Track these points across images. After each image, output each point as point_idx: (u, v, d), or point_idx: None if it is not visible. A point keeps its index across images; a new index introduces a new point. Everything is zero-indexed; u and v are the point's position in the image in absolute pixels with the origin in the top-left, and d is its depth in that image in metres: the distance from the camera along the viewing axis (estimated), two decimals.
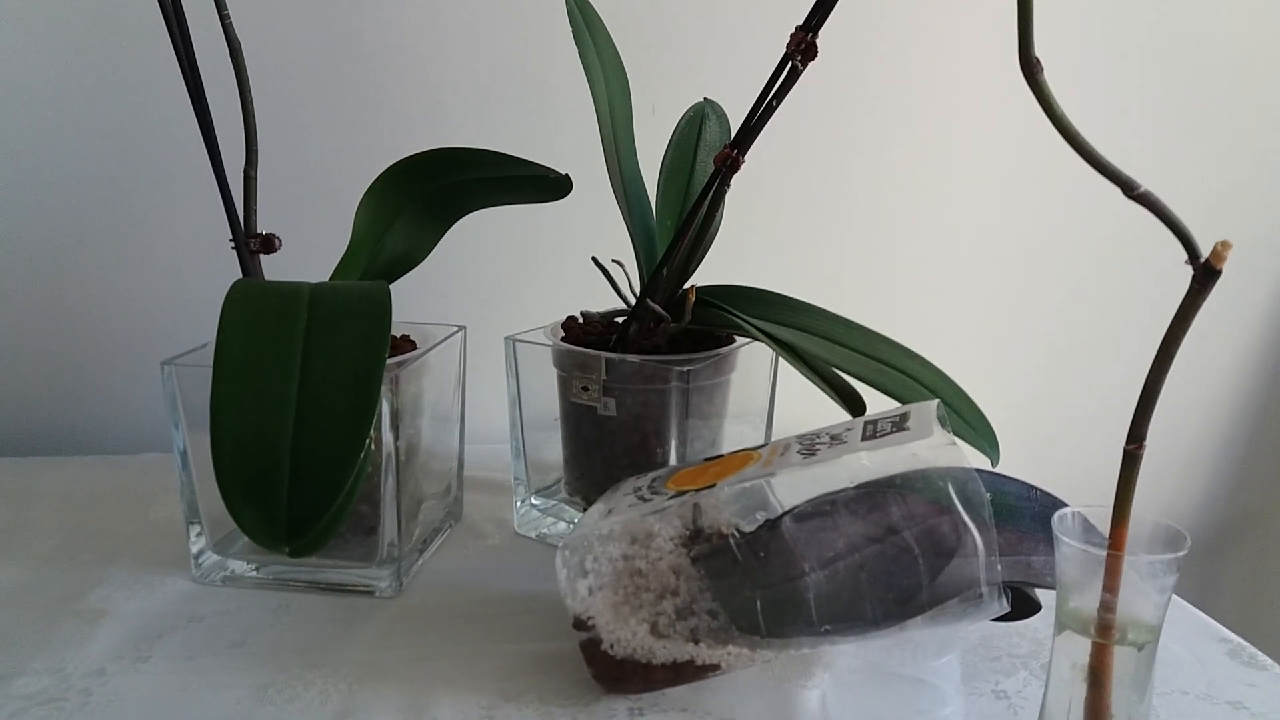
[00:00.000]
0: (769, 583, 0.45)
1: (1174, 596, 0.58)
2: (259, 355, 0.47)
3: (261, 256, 0.57)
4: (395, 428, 0.55)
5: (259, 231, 0.56)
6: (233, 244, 0.56)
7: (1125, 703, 0.36)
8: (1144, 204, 0.28)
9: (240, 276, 0.57)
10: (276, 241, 0.56)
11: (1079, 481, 0.66)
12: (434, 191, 0.62)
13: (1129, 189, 0.27)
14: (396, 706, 0.46)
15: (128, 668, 0.48)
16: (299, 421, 0.45)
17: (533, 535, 0.66)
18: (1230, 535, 1.07)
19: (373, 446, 0.55)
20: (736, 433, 0.66)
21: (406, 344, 0.62)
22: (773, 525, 0.45)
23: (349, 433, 0.45)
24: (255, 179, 0.56)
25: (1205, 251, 0.28)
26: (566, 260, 0.83)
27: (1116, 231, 0.92)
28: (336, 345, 0.47)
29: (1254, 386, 1.02)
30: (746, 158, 0.55)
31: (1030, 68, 0.28)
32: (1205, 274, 0.28)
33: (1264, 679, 0.50)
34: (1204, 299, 0.28)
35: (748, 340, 0.62)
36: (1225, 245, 0.27)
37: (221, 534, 0.59)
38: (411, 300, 0.73)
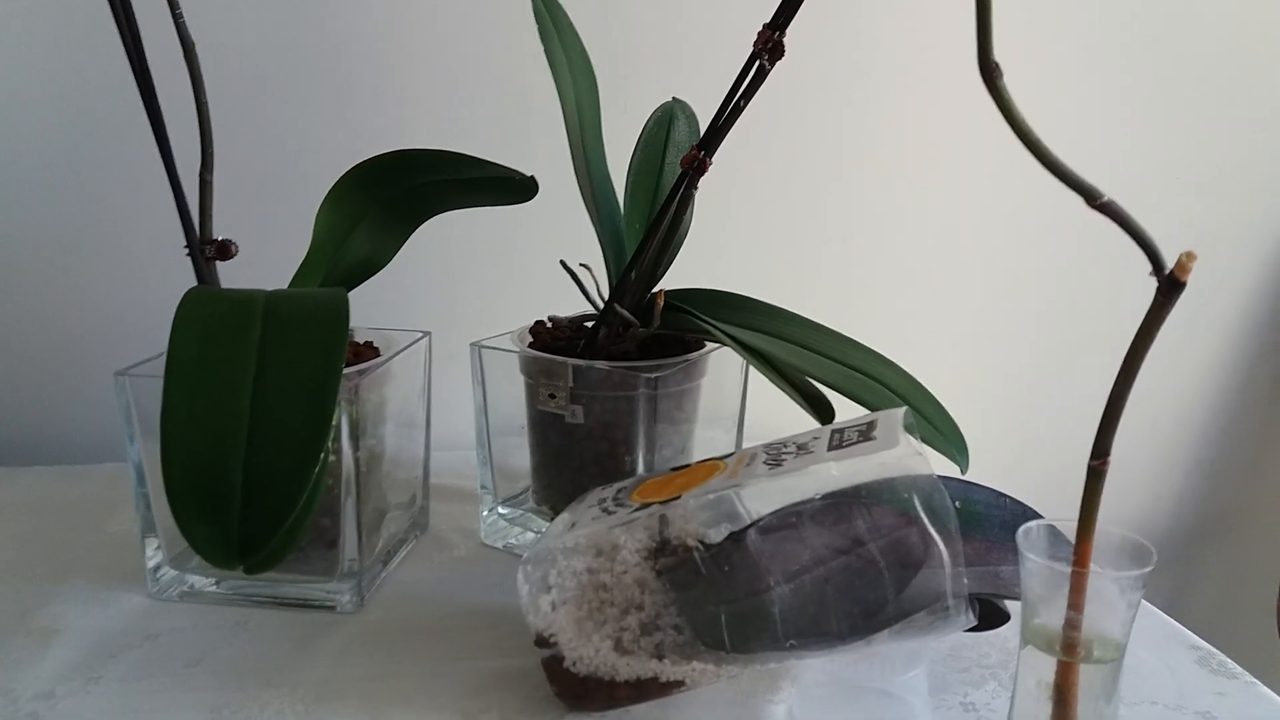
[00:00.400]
0: (733, 597, 0.44)
1: (1144, 603, 0.57)
2: (211, 366, 0.45)
3: (218, 263, 0.56)
4: (355, 438, 0.54)
5: (215, 238, 0.55)
6: (187, 251, 0.54)
7: (1092, 718, 0.36)
8: (1107, 214, 0.27)
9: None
10: (233, 248, 0.55)
11: (1053, 491, 0.66)
12: (397, 195, 0.60)
13: (1091, 199, 0.27)
14: None
15: (78, 689, 0.47)
16: (252, 435, 0.44)
17: (500, 546, 0.65)
18: (1205, 537, 1.07)
19: (331, 458, 0.54)
20: (708, 438, 0.65)
21: (369, 351, 0.61)
22: (737, 538, 0.44)
23: (304, 446, 0.44)
24: (211, 183, 0.55)
25: (1170, 263, 0.27)
26: (536, 263, 0.82)
27: (1094, 239, 0.92)
28: (292, 355, 0.46)
29: (1227, 388, 1.02)
30: (716, 159, 0.54)
31: (989, 73, 0.27)
32: (1169, 286, 0.27)
33: (1233, 687, 0.49)
34: (1168, 311, 0.27)
35: (718, 345, 0.62)
36: (1190, 257, 0.26)
37: (179, 548, 0.57)
38: (376, 306, 0.71)
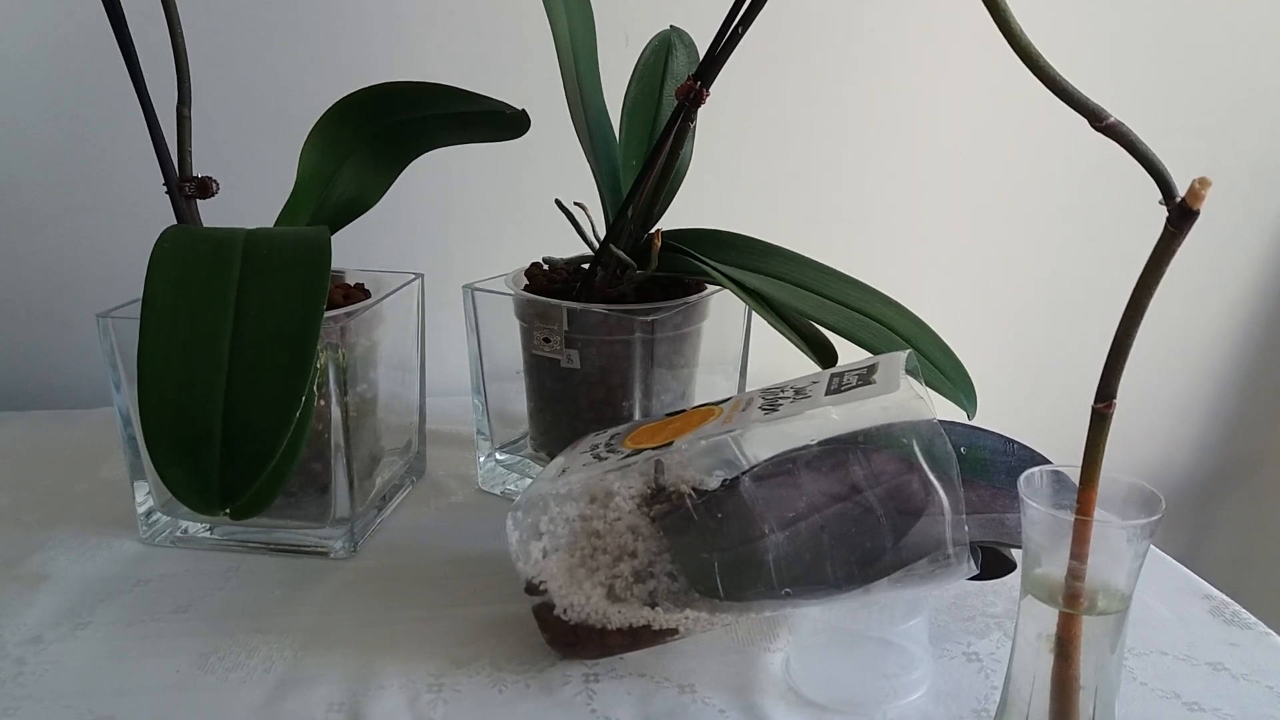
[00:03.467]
0: (727, 544, 0.42)
1: (1157, 552, 0.56)
2: (189, 308, 0.44)
3: (199, 202, 0.54)
4: (344, 382, 0.53)
5: (195, 175, 0.53)
6: (166, 188, 0.53)
7: (1094, 671, 0.34)
8: (1112, 136, 0.25)
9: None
10: (213, 185, 0.53)
11: (1065, 437, 0.64)
12: (384, 129, 0.58)
13: (1096, 119, 0.24)
14: (343, 674, 0.44)
15: (66, 635, 0.47)
16: (231, 378, 0.43)
17: (497, 491, 0.64)
18: (1222, 485, 1.05)
19: (320, 402, 0.52)
20: (709, 383, 0.64)
21: (360, 293, 0.60)
22: (731, 485, 0.43)
23: (285, 389, 0.42)
24: (189, 118, 0.53)
25: (1182, 190, 0.25)
26: (532, 204, 0.79)
27: (1109, 173, 0.89)
28: (272, 296, 0.44)
29: (1249, 334, 0.99)
30: (717, 93, 0.51)
31: None
32: (1180, 215, 0.25)
33: (1246, 638, 0.48)
34: (1179, 243, 0.25)
35: (718, 288, 0.60)
36: (1203, 183, 0.24)
37: (168, 494, 0.56)
38: (369, 249, 0.70)
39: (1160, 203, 0.25)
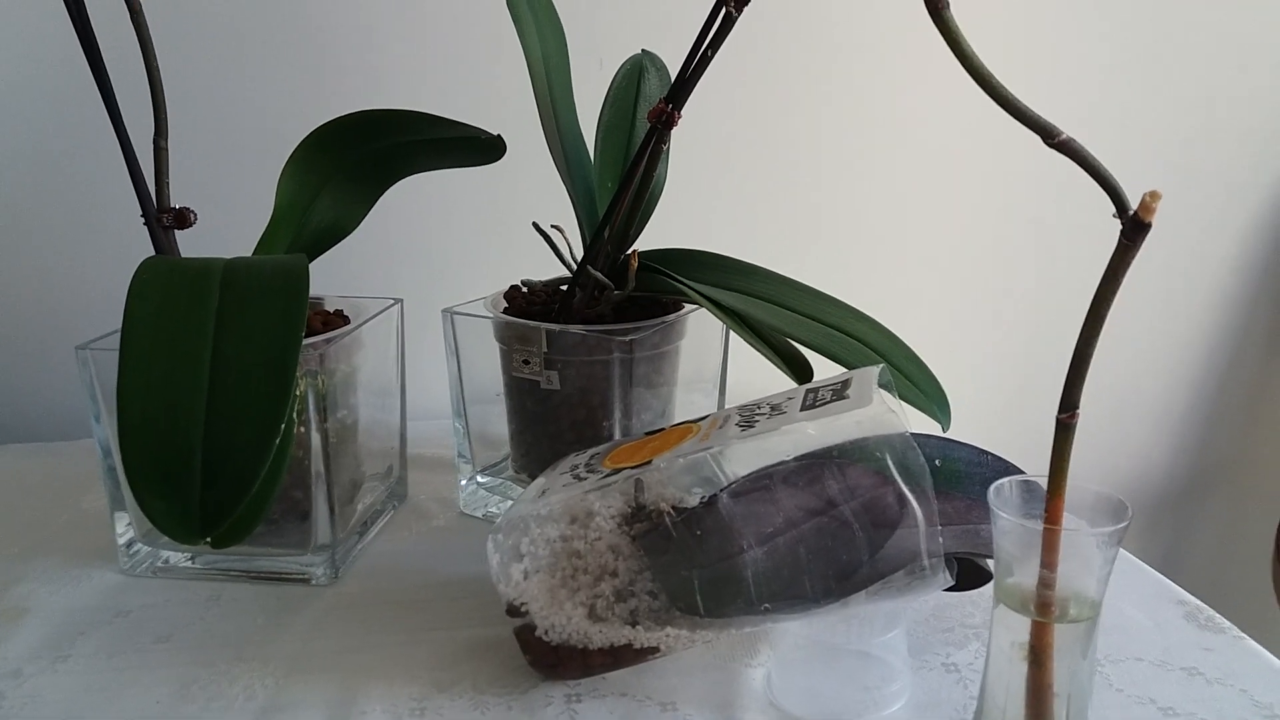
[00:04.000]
0: (706, 561, 0.43)
1: (1132, 559, 0.57)
2: (168, 338, 0.44)
3: (179, 233, 0.54)
4: (324, 408, 0.53)
5: (172, 205, 0.53)
6: (144, 220, 0.53)
7: (1067, 677, 0.35)
8: (1065, 152, 0.25)
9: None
10: (191, 216, 0.53)
11: (1040, 449, 0.65)
12: (362, 157, 0.59)
13: (1049, 136, 0.25)
14: (325, 700, 0.44)
15: (46, 668, 0.46)
16: (211, 407, 0.43)
17: (479, 515, 0.64)
18: (1199, 492, 1.06)
19: (300, 429, 0.52)
20: (688, 402, 0.64)
21: (339, 320, 0.60)
22: (709, 502, 0.43)
23: (264, 417, 0.43)
24: (165, 149, 0.53)
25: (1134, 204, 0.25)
26: (510, 227, 0.80)
27: (1079, 189, 0.90)
28: (251, 325, 0.45)
29: (1221, 342, 1.01)
30: (690, 115, 0.52)
31: (935, 3, 0.25)
32: (1134, 228, 0.25)
33: (1220, 642, 0.48)
34: (1133, 255, 0.26)
35: (695, 307, 0.60)
36: (1154, 196, 0.25)
37: (149, 524, 0.56)
38: (347, 275, 0.70)
39: (1114, 216, 0.26)
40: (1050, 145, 0.25)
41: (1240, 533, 1.06)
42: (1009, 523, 0.33)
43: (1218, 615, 0.51)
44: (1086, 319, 0.28)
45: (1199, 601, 0.52)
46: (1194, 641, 0.49)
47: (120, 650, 0.48)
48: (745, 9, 0.48)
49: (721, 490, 0.43)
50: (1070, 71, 0.88)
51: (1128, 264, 0.26)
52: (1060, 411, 0.29)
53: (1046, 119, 0.25)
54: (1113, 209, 0.28)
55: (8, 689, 0.45)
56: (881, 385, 0.44)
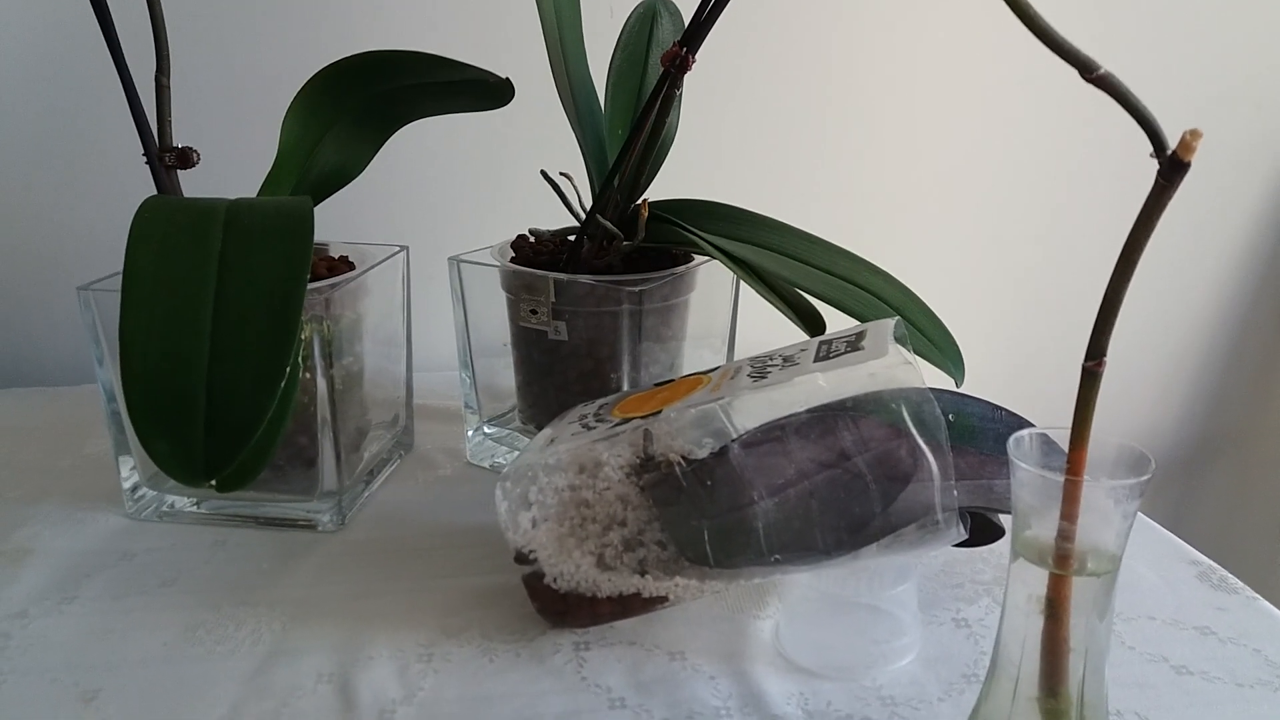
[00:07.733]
0: (716, 512, 0.42)
1: (1145, 518, 0.56)
2: (170, 279, 0.43)
3: (180, 173, 0.53)
4: (329, 355, 0.52)
5: (175, 145, 0.52)
6: (146, 159, 0.52)
7: (1083, 632, 0.34)
8: (1103, 88, 0.24)
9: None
10: (194, 156, 0.52)
11: (1053, 404, 0.64)
12: (367, 99, 0.57)
13: (1087, 70, 0.24)
14: (331, 645, 0.44)
15: (51, 609, 0.46)
16: (214, 349, 0.42)
17: (486, 465, 0.63)
18: (1210, 453, 1.05)
19: (305, 375, 0.52)
20: (697, 357, 0.63)
21: (344, 265, 0.59)
22: (720, 453, 0.43)
23: (268, 359, 0.42)
24: (168, 87, 0.52)
25: (1173, 143, 0.24)
26: (518, 175, 0.79)
27: (1097, 134, 0.88)
28: (254, 266, 0.44)
29: (1237, 301, 0.99)
30: (704, 61, 0.51)
31: None
32: (1171, 167, 0.24)
33: (1233, 602, 0.48)
34: (1170, 196, 0.25)
35: (707, 259, 0.59)
36: (1194, 135, 0.23)
37: (154, 468, 0.56)
38: (354, 221, 0.69)
39: (1151, 155, 0.25)
40: (1088, 80, 0.24)
41: (1248, 499, 1.06)
42: (1029, 474, 0.32)
43: (1230, 575, 0.50)
44: (1118, 264, 0.27)
45: (1211, 562, 0.52)
46: (1206, 601, 0.48)
47: (126, 593, 0.48)
48: None
49: (733, 441, 0.43)
50: (1096, 24, 0.86)
51: (1164, 206, 0.25)
52: (1087, 359, 0.29)
53: (1086, 54, 0.24)
54: (1150, 149, 0.27)
55: (13, 630, 0.45)
56: (896, 338, 0.43)
